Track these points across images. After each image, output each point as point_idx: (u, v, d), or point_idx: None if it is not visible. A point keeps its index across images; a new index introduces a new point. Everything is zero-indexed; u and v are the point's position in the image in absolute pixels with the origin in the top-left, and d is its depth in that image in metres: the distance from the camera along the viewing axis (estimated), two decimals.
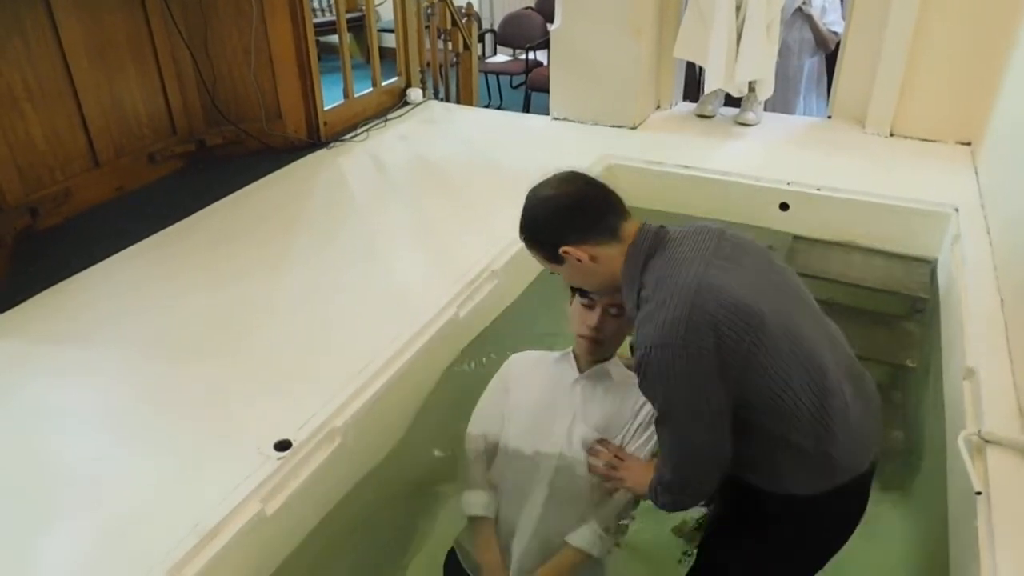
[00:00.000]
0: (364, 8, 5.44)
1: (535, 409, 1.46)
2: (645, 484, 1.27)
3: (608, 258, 1.17)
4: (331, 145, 2.89)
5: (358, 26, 3.99)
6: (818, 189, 2.53)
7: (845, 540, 1.25)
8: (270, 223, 2.35)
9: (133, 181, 2.54)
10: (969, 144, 2.81)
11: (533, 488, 1.43)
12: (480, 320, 2.02)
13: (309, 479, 1.42)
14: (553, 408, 1.45)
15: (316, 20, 2.90)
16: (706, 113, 3.23)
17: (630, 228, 1.18)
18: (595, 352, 1.42)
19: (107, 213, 2.38)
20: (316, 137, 2.87)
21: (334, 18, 3.10)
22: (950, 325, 1.99)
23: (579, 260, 1.17)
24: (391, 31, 3.47)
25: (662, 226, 1.19)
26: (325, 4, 5.56)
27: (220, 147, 2.75)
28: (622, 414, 1.43)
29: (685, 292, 1.05)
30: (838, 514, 1.22)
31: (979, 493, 1.29)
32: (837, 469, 1.15)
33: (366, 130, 3.03)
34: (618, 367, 1.46)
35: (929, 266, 2.37)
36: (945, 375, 1.90)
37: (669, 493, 1.19)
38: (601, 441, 1.41)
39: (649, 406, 1.33)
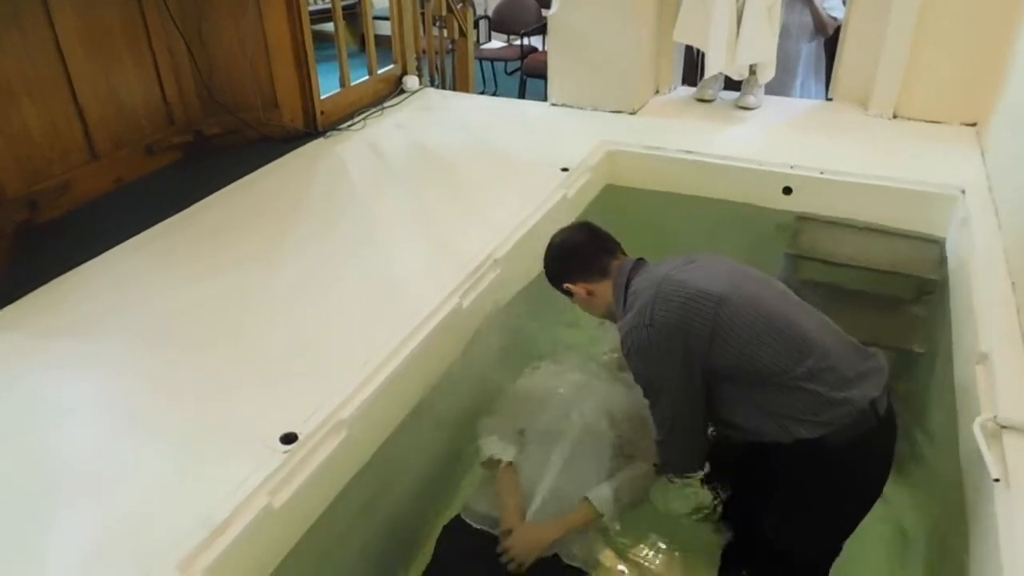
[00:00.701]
0: None
1: (564, 393, 1.72)
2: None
3: (601, 292, 1.51)
4: (328, 134, 2.87)
5: (351, 14, 3.95)
6: (821, 172, 2.52)
7: (880, 484, 1.31)
8: (269, 213, 2.34)
9: (131, 173, 2.52)
10: (975, 125, 2.79)
11: (555, 451, 1.62)
12: (483, 310, 2.01)
13: (316, 472, 1.41)
14: (581, 389, 1.70)
15: (310, 8, 2.86)
16: (706, 97, 3.20)
17: (617, 264, 1.49)
18: None
19: (107, 205, 2.37)
20: (313, 126, 2.84)
21: (327, 6, 3.06)
22: (960, 309, 1.98)
23: (579, 294, 1.52)
24: (385, 18, 3.43)
25: (640, 258, 1.50)
26: None
27: (217, 137, 2.73)
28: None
29: (650, 287, 1.33)
30: (861, 456, 1.26)
31: (997, 480, 1.28)
32: (833, 404, 1.21)
33: (363, 119, 3.00)
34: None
35: (937, 248, 2.36)
36: (955, 360, 1.88)
37: (667, 459, 1.45)
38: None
39: None
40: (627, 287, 1.42)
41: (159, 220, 2.24)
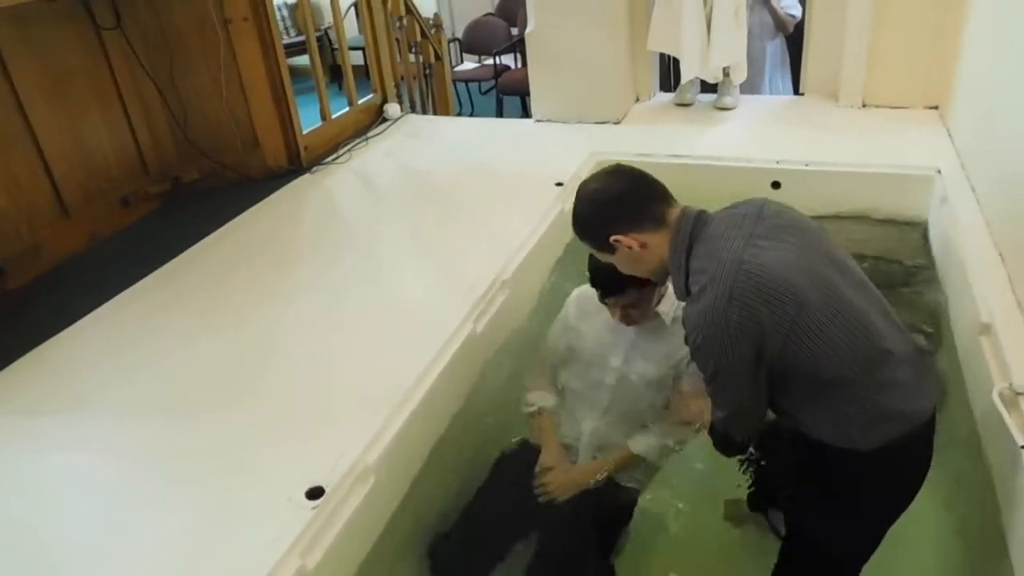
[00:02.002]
0: (324, 28, 5.41)
1: (595, 347, 1.66)
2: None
3: (656, 245, 1.24)
4: (314, 169, 2.79)
5: (319, 47, 3.90)
6: (807, 165, 2.58)
7: (917, 490, 1.26)
8: (263, 256, 2.24)
9: (107, 227, 2.40)
10: (936, 108, 2.89)
11: (592, 408, 1.65)
12: (498, 333, 1.95)
13: (347, 525, 1.33)
14: (612, 346, 1.63)
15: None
16: (685, 101, 3.24)
17: (674, 214, 1.24)
18: (633, 324, 1.59)
19: (82, 265, 2.24)
20: (297, 163, 2.76)
21: (295, 39, 3.00)
22: (954, 285, 2.02)
23: (629, 248, 1.24)
24: (356, 48, 3.39)
25: (703, 211, 1.25)
26: (284, 26, 5.45)
27: (197, 182, 2.63)
28: (677, 349, 1.57)
29: (725, 276, 1.12)
30: (908, 465, 1.23)
31: (1023, 447, 1.29)
32: (894, 417, 1.17)
33: (348, 150, 2.93)
34: (668, 307, 1.59)
35: (920, 228, 2.43)
36: (956, 334, 1.92)
37: (721, 442, 1.33)
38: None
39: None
40: (690, 249, 1.20)
41: (142, 276, 2.12)
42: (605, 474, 1.59)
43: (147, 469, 1.44)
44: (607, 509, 1.60)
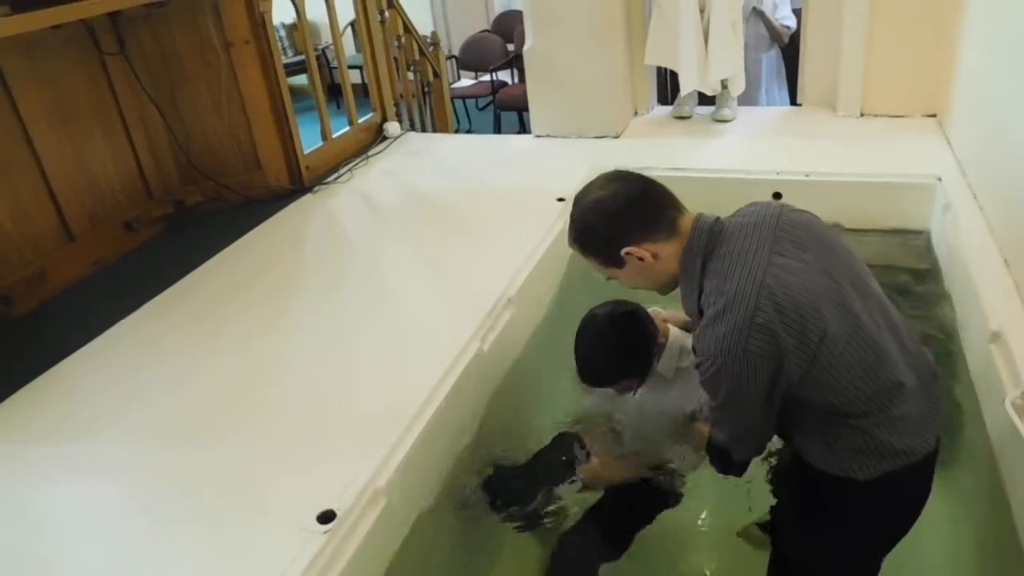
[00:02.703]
0: (322, 47, 5.45)
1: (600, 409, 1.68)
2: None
3: (668, 256, 1.15)
4: (316, 189, 2.79)
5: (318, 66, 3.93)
6: (807, 175, 2.57)
7: (913, 522, 1.23)
8: (267, 278, 2.24)
9: (111, 252, 2.40)
10: (935, 116, 2.90)
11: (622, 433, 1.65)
12: (506, 350, 1.94)
13: (361, 549, 1.31)
14: (618, 410, 1.64)
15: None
16: (684, 114, 3.26)
17: (686, 222, 1.15)
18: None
19: (87, 291, 2.24)
20: (299, 183, 2.77)
21: (293, 59, 3.02)
22: (960, 292, 2.01)
23: (641, 260, 1.14)
24: (354, 67, 3.41)
25: (717, 219, 1.16)
26: (282, 45, 5.49)
27: (200, 205, 2.63)
28: (688, 402, 1.55)
29: (746, 300, 1.03)
30: (905, 497, 1.20)
31: None
32: (895, 454, 1.13)
33: (349, 170, 2.93)
34: (668, 362, 1.54)
35: (923, 237, 2.42)
36: (965, 342, 1.91)
37: (720, 460, 1.27)
38: None
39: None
40: (704, 265, 1.10)
41: (147, 301, 2.11)
42: (636, 476, 1.59)
43: (156, 497, 1.42)
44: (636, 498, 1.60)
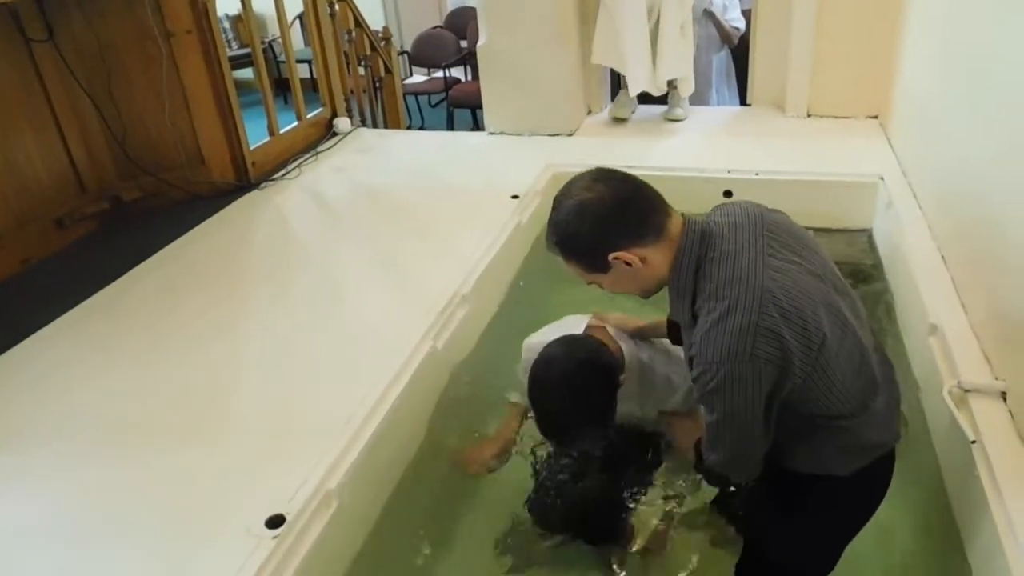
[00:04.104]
0: (268, 40, 5.30)
1: None
2: (687, 446, 1.32)
3: (656, 261, 1.09)
4: (263, 186, 2.71)
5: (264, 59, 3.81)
6: (757, 174, 2.62)
7: (873, 512, 1.26)
8: (211, 278, 2.15)
9: (41, 250, 2.28)
10: (877, 117, 3.01)
11: None
12: (459, 348, 1.92)
13: (311, 553, 1.27)
14: None
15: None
16: (623, 116, 3.22)
17: (675, 225, 1.10)
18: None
19: (13, 291, 2.12)
20: (245, 179, 2.68)
21: (239, 52, 2.92)
22: (901, 287, 2.08)
23: (629, 265, 1.08)
24: (302, 61, 3.33)
25: (705, 222, 1.12)
26: (227, 38, 5.31)
27: (139, 201, 2.52)
28: (660, 401, 1.51)
29: (750, 304, 1.00)
30: (873, 490, 1.23)
31: (974, 442, 1.34)
32: (873, 448, 1.16)
33: (297, 166, 2.86)
34: (630, 376, 1.46)
35: (866, 234, 2.50)
36: (906, 335, 1.98)
37: (716, 475, 1.24)
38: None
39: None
40: (696, 273, 1.06)
41: (79, 301, 2.00)
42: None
43: (94, 507, 1.35)
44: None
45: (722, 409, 1.04)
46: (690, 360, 1.08)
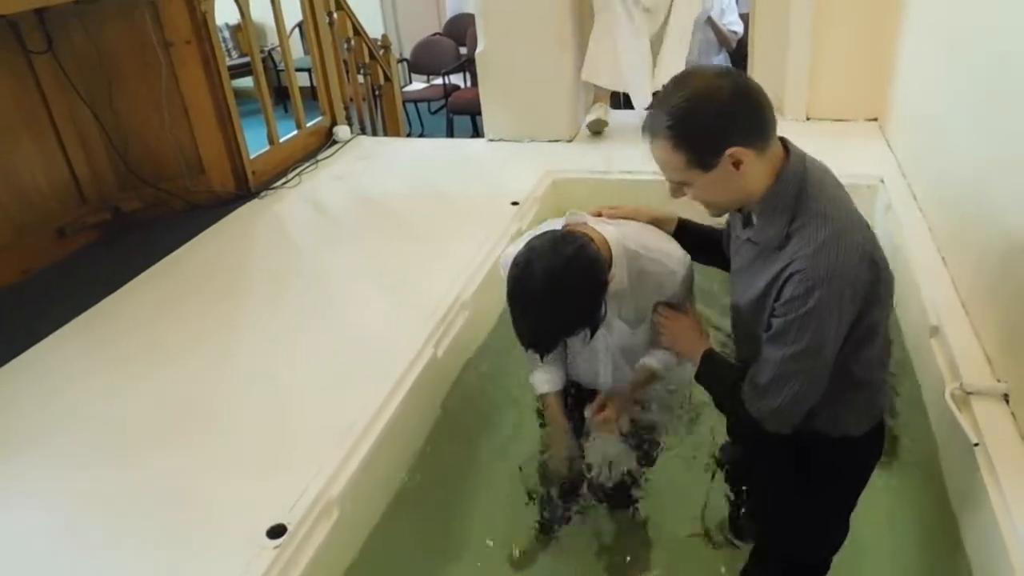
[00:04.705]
0: (268, 49, 5.32)
1: None
2: (690, 347, 1.29)
3: (756, 171, 1.04)
4: (263, 195, 2.71)
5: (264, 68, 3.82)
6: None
7: (870, 475, 1.27)
8: (211, 287, 2.15)
9: (41, 260, 2.28)
10: (876, 120, 3.01)
11: (598, 370, 1.50)
12: (460, 355, 1.92)
13: (312, 563, 1.27)
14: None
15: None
16: (599, 128, 3.12)
17: (777, 143, 1.07)
18: None
19: (14, 300, 2.12)
20: (245, 188, 2.69)
21: (238, 60, 2.93)
22: (902, 288, 2.06)
23: (737, 166, 1.02)
24: (301, 70, 3.34)
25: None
26: (226, 47, 5.33)
27: (139, 211, 2.52)
28: (648, 304, 1.38)
29: (855, 231, 1.03)
30: (873, 450, 1.24)
31: (976, 444, 1.34)
32: (883, 407, 1.19)
33: (297, 174, 2.86)
34: (619, 272, 1.30)
35: None
36: (907, 336, 1.98)
37: (746, 430, 1.16)
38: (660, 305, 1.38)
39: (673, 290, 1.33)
40: (799, 194, 1.03)
41: (80, 311, 2.01)
42: (631, 398, 1.49)
43: (95, 518, 1.35)
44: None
45: (809, 337, 1.01)
46: (768, 287, 1.05)
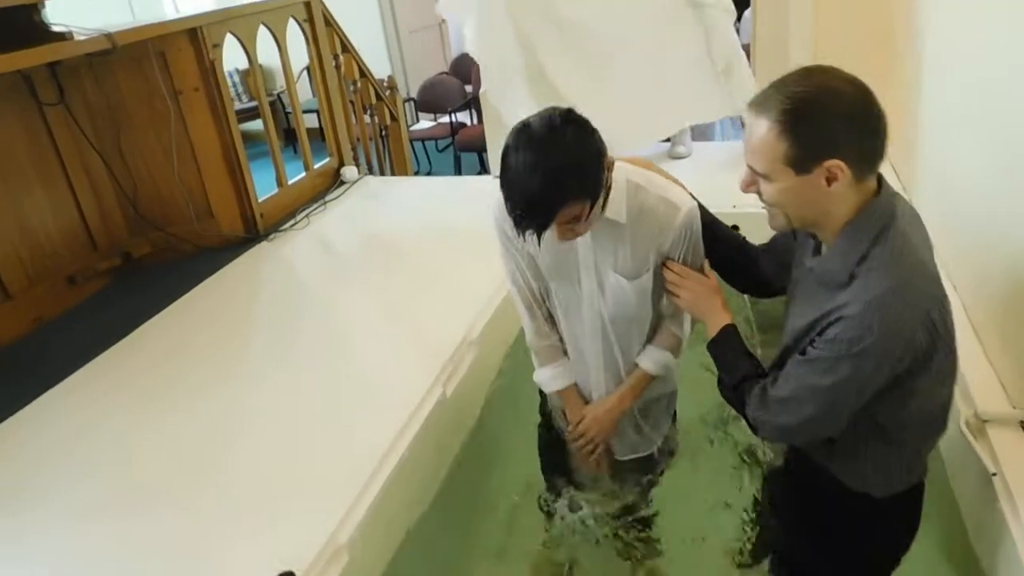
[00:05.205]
0: (277, 92, 5.43)
1: (550, 274, 1.36)
2: (709, 311, 1.22)
3: (850, 197, 0.97)
4: (271, 237, 2.73)
5: (272, 111, 3.88)
6: (762, 207, 2.60)
7: (903, 547, 1.19)
8: (220, 331, 2.15)
9: (53, 308, 2.30)
10: None
11: (588, 344, 1.40)
12: (469, 394, 1.89)
13: None
14: (569, 269, 1.32)
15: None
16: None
17: (875, 178, 1.00)
18: (577, 236, 1.22)
19: (26, 349, 2.13)
20: (254, 231, 2.71)
21: (248, 104, 2.98)
22: None
23: (829, 182, 0.94)
24: (310, 111, 3.39)
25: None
26: (236, 91, 5.45)
27: (149, 256, 2.54)
28: (650, 248, 1.27)
29: (924, 291, 0.95)
30: (904, 521, 1.17)
31: (995, 474, 1.30)
32: (916, 475, 1.12)
33: (306, 215, 2.89)
34: (619, 205, 1.23)
35: None
36: None
37: (770, 429, 1.09)
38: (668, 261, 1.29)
39: (670, 251, 1.26)
40: (878, 235, 0.96)
41: (90, 359, 2.02)
42: (630, 402, 1.43)
43: (103, 563, 1.33)
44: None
45: (846, 374, 0.96)
46: (815, 322, 1.00)
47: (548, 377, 1.46)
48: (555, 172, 1.05)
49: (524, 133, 1.08)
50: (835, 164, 0.93)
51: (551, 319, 1.44)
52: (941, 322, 0.97)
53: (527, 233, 1.10)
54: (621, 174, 1.22)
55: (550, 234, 1.15)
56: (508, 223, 1.26)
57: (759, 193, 1.03)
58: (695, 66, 2.87)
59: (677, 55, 2.82)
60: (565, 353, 1.45)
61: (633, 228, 1.24)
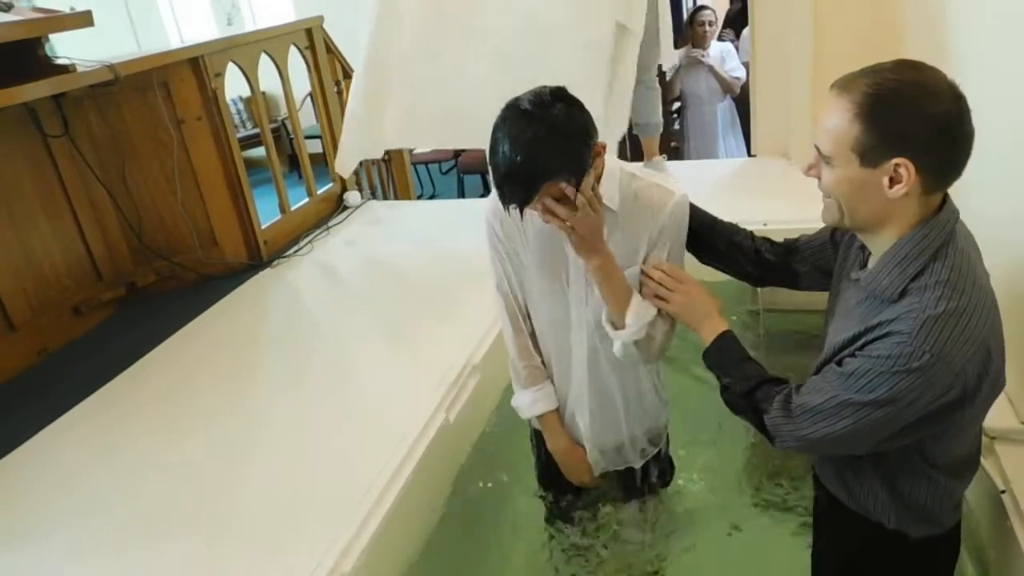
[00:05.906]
0: (280, 118, 5.48)
1: (539, 278, 1.32)
2: (705, 316, 1.15)
3: (910, 207, 0.91)
4: (275, 263, 2.73)
5: (275, 137, 3.92)
6: (765, 224, 2.57)
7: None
8: (224, 359, 2.15)
9: (58, 339, 2.30)
10: None
11: (574, 352, 1.35)
12: (472, 420, 1.88)
13: None
14: (557, 265, 1.29)
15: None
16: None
17: (940, 196, 0.95)
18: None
19: (30, 381, 2.13)
20: (258, 258, 2.71)
21: (252, 131, 3.01)
22: None
23: (896, 184, 0.88)
24: (313, 137, 3.41)
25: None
26: (240, 119, 5.50)
27: (153, 285, 2.55)
28: (635, 254, 1.24)
29: (982, 318, 0.89)
30: (938, 567, 1.12)
31: (1003, 491, 1.29)
32: (951, 515, 1.07)
33: (309, 241, 2.89)
34: (611, 187, 1.20)
35: None
36: None
37: (797, 439, 1.00)
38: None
39: (659, 238, 1.21)
40: (936, 252, 0.91)
41: (95, 390, 2.01)
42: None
43: None
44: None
45: (888, 395, 0.89)
46: (856, 336, 0.94)
47: (528, 401, 1.42)
48: (539, 142, 1.03)
49: (514, 107, 1.07)
50: (903, 163, 0.87)
51: (534, 337, 1.41)
52: (998, 354, 0.92)
53: (511, 208, 1.07)
54: (614, 162, 1.21)
55: (537, 228, 1.18)
56: (499, 221, 1.32)
57: (819, 179, 0.98)
58: (584, 85, 2.79)
59: (571, 66, 2.59)
60: (547, 377, 1.42)
61: (625, 217, 1.22)
